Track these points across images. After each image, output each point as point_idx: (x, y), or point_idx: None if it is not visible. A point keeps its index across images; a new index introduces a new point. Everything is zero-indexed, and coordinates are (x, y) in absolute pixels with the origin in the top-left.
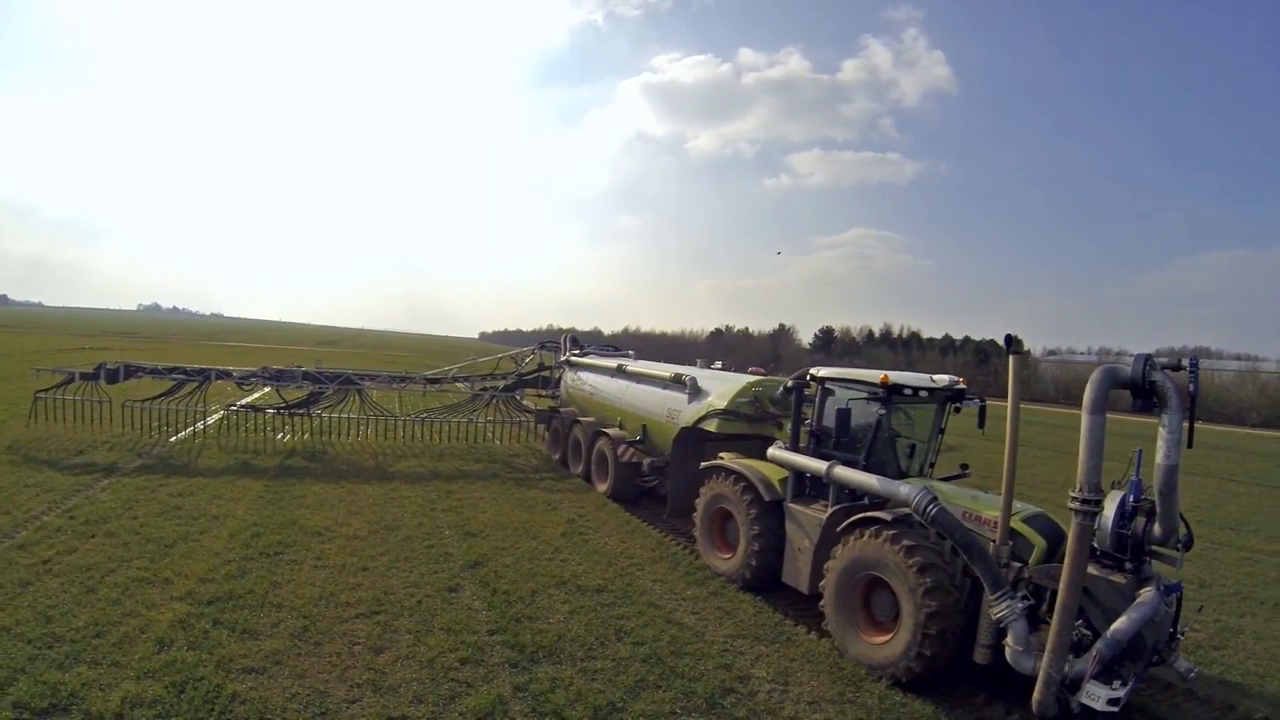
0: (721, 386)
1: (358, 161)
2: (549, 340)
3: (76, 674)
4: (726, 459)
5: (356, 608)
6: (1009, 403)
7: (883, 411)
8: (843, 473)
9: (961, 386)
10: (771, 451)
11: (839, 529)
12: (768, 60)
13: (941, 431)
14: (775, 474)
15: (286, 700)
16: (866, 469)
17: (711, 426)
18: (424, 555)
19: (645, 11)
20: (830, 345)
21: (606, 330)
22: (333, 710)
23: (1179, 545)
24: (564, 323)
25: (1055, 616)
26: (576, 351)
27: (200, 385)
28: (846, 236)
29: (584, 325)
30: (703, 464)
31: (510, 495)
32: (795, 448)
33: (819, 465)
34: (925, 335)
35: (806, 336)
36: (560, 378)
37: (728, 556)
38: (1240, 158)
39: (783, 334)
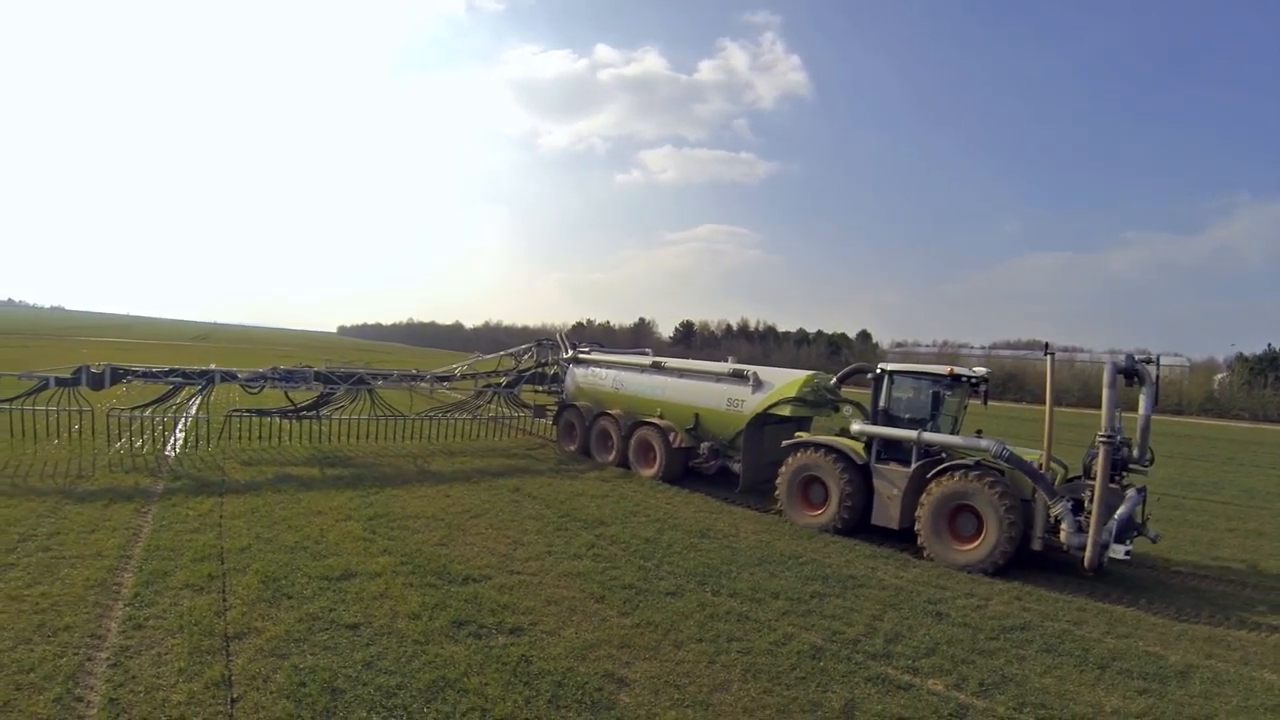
0: (785, 378)
1: (201, 146)
2: (545, 338)
3: (335, 561)
4: (806, 436)
5: (467, 514)
6: (1048, 390)
7: (949, 393)
8: (932, 436)
9: (988, 376)
10: (856, 427)
11: (929, 476)
12: (624, 58)
13: (965, 407)
14: (855, 445)
15: (474, 554)
16: None
17: (786, 411)
18: (473, 486)
19: (508, 4)
20: (690, 338)
21: (468, 324)
22: (505, 553)
23: (1147, 463)
24: (425, 318)
25: (1095, 505)
26: (584, 349)
27: (203, 389)
28: (697, 232)
29: (444, 319)
30: (785, 442)
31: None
32: (875, 423)
33: (911, 434)
34: (780, 329)
35: (666, 330)
36: (562, 374)
37: (817, 513)
38: (1070, 170)
39: (643, 327)
